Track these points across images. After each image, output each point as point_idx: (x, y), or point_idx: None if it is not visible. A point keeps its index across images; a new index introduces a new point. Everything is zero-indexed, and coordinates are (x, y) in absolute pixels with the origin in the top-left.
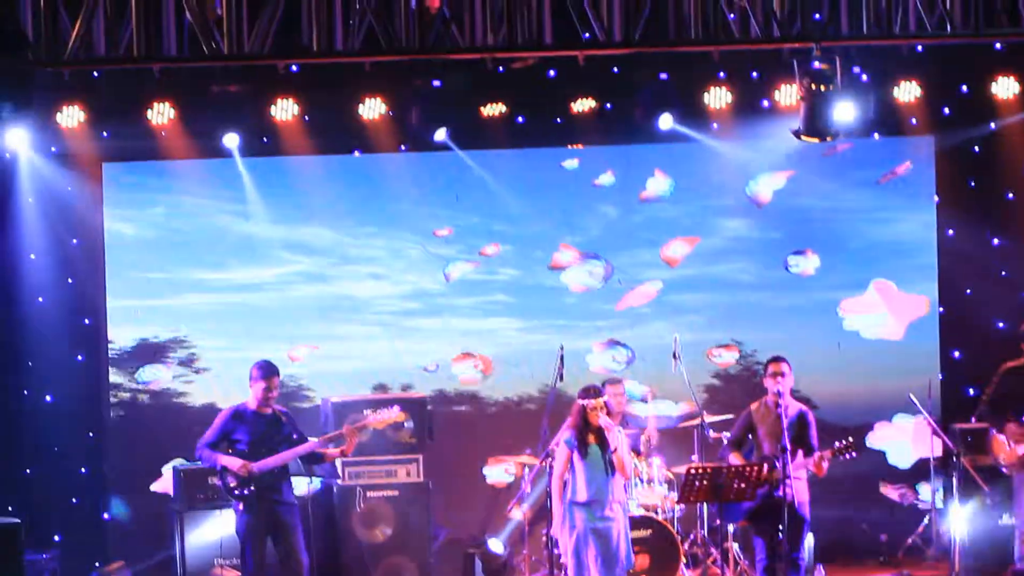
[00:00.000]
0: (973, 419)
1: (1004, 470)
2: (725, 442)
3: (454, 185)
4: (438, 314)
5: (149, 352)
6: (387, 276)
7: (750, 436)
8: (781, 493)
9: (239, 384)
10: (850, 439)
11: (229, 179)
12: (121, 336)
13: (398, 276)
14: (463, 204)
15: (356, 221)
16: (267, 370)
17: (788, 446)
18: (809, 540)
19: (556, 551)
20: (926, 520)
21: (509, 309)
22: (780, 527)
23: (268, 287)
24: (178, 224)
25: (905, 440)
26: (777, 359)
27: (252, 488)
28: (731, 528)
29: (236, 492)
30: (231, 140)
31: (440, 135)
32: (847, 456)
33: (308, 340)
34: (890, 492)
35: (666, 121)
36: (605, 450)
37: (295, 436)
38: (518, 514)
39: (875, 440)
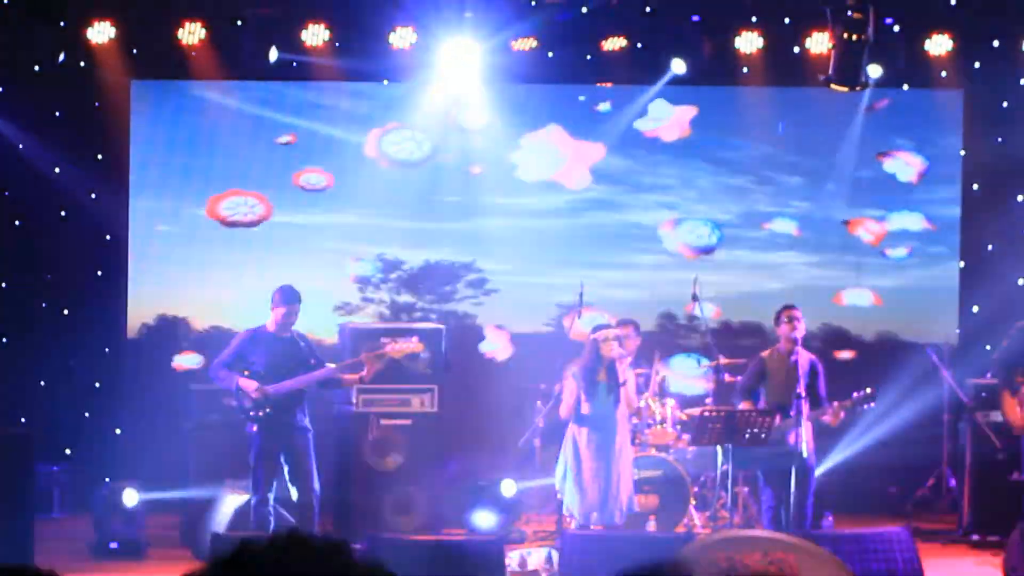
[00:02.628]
0: (988, 375)
1: (1015, 432)
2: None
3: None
4: (728, 246)
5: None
6: (678, 206)
7: (761, 383)
8: (793, 441)
9: (528, 308)
10: (868, 389)
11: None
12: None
13: (689, 207)
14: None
15: (648, 150)
16: (289, 296)
17: (803, 393)
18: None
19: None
20: (936, 473)
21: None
22: (789, 475)
23: (560, 213)
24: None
25: None
26: (791, 306)
27: (267, 411)
28: (740, 473)
29: (251, 414)
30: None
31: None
32: (866, 406)
33: (596, 267)
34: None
35: (678, 66)
36: (613, 387)
37: (312, 361)
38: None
39: None
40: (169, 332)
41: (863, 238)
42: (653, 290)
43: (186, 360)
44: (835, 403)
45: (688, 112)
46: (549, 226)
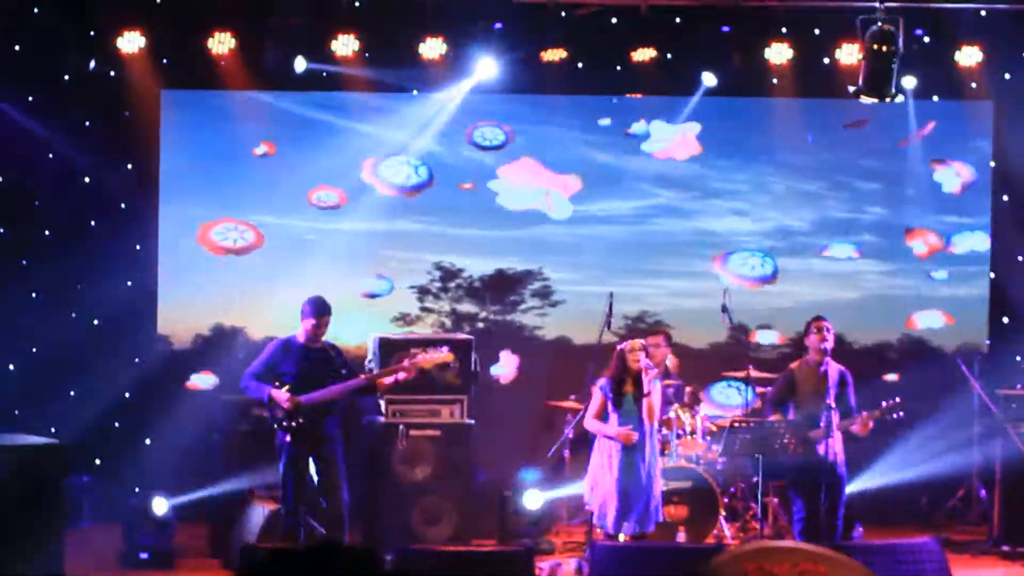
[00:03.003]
0: (1019, 385)
1: None
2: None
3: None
4: (800, 254)
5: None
6: (749, 212)
7: (791, 395)
8: (823, 451)
9: (593, 318)
10: (897, 398)
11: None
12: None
13: (760, 212)
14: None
15: (716, 153)
16: (319, 307)
17: (833, 404)
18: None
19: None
20: (967, 484)
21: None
22: (820, 486)
23: (626, 220)
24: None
25: None
26: (821, 317)
27: (300, 421)
28: (771, 484)
29: (283, 424)
30: (299, 64)
31: (491, 71)
32: (895, 415)
33: (662, 276)
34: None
35: (709, 79)
36: (640, 398)
37: (344, 371)
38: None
39: None
40: (202, 341)
41: (916, 250)
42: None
43: (201, 380)
44: (863, 413)
45: (691, 129)
46: (615, 233)
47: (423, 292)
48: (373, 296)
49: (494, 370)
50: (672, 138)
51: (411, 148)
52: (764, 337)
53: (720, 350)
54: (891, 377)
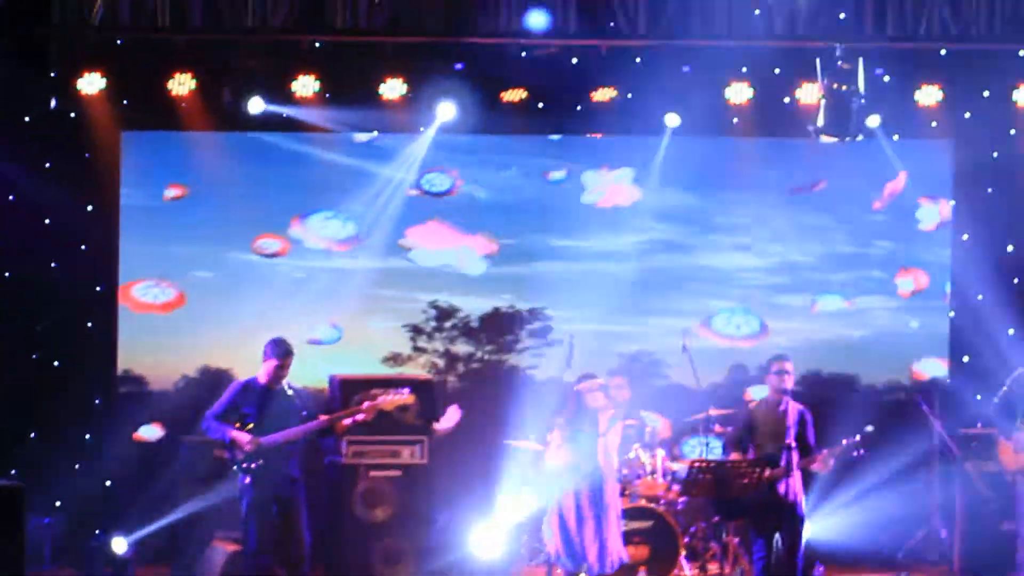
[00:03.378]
0: (979, 424)
1: (1008, 476)
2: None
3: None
4: (806, 290)
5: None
6: (751, 247)
7: (750, 435)
8: (783, 491)
9: (588, 358)
10: (858, 436)
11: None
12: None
13: (763, 247)
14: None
15: (718, 186)
16: (282, 349)
17: (793, 443)
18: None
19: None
20: (927, 523)
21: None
22: (780, 525)
23: (625, 256)
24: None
25: None
26: (781, 358)
27: (260, 462)
28: (732, 523)
29: (244, 466)
30: (255, 105)
31: (449, 114)
32: (856, 454)
33: (664, 314)
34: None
35: (672, 120)
36: (596, 438)
37: (305, 412)
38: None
39: None
40: (162, 382)
41: (901, 288)
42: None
43: (146, 432)
44: (824, 451)
45: (621, 174)
46: (615, 270)
47: (416, 331)
48: (319, 343)
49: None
50: (606, 186)
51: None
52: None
53: (719, 388)
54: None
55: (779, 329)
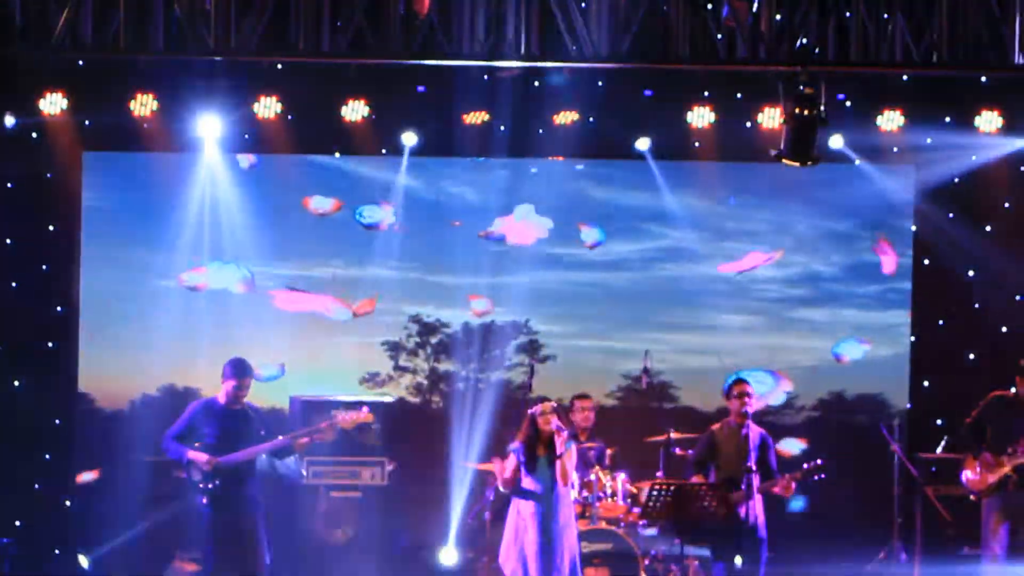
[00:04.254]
0: (939, 449)
1: (973, 496)
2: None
3: None
4: (828, 303)
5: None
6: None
7: (712, 458)
8: (744, 514)
9: (586, 376)
10: (819, 461)
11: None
12: None
13: (784, 257)
14: None
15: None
16: (240, 369)
17: (754, 467)
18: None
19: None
20: (888, 547)
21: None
22: (740, 549)
23: (627, 265)
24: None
25: None
26: (742, 381)
27: (217, 483)
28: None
29: (201, 486)
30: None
31: (410, 140)
32: (817, 478)
33: (668, 329)
34: None
35: (642, 143)
36: (553, 461)
37: (263, 432)
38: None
39: None
40: (123, 401)
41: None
42: (739, 356)
43: (86, 476)
44: (786, 475)
45: (525, 211)
46: (614, 280)
47: (395, 349)
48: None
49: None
50: (505, 222)
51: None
52: (790, 446)
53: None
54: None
55: (799, 347)
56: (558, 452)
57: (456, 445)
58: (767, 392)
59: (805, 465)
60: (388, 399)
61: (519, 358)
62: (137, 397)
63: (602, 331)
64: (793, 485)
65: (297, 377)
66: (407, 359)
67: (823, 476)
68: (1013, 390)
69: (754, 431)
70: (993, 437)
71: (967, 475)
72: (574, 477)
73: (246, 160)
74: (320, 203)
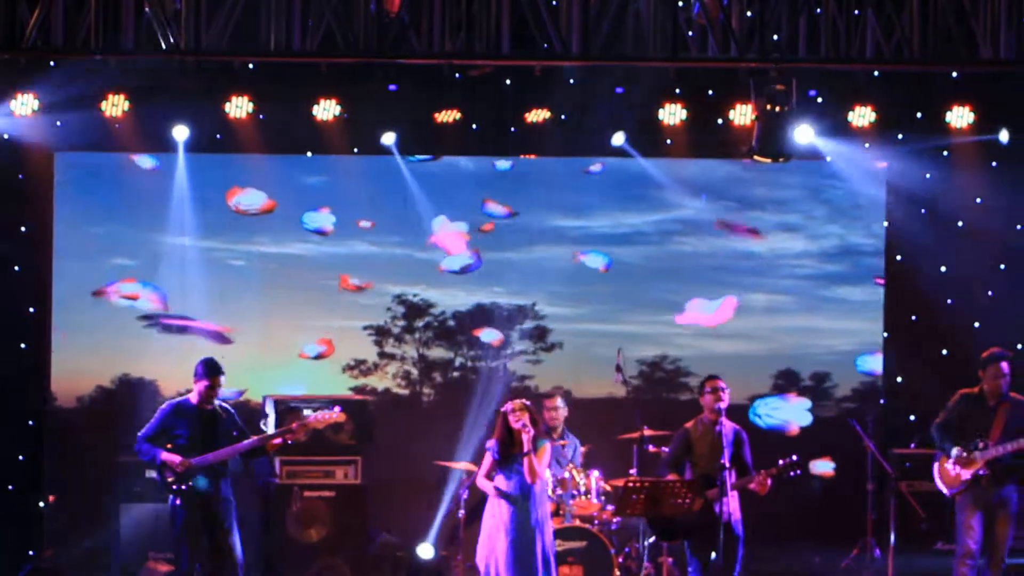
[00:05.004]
0: (913, 445)
1: (946, 493)
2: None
3: None
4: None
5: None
6: (804, 227)
7: (687, 455)
8: (719, 511)
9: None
10: (794, 457)
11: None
12: None
13: (817, 228)
14: None
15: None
16: (211, 369)
17: (728, 464)
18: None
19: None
20: (861, 543)
21: None
22: (716, 545)
23: (643, 239)
24: None
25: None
26: (715, 377)
27: (190, 483)
28: (666, 543)
29: (174, 487)
30: (179, 133)
31: (388, 139)
32: (792, 474)
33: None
34: None
35: (618, 138)
36: (524, 457)
37: (235, 433)
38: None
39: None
40: (96, 403)
41: None
42: (768, 342)
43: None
44: (762, 471)
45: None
46: (627, 256)
47: (382, 334)
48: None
49: None
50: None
51: None
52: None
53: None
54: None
55: (833, 330)
56: (525, 450)
57: (439, 442)
58: (785, 419)
59: (780, 461)
60: (365, 397)
61: (524, 345)
62: (108, 398)
63: (609, 314)
64: (769, 481)
65: (276, 372)
66: (394, 345)
67: (799, 472)
68: (978, 387)
69: (728, 427)
70: (963, 434)
71: (940, 474)
72: (547, 475)
73: (148, 163)
74: (249, 201)
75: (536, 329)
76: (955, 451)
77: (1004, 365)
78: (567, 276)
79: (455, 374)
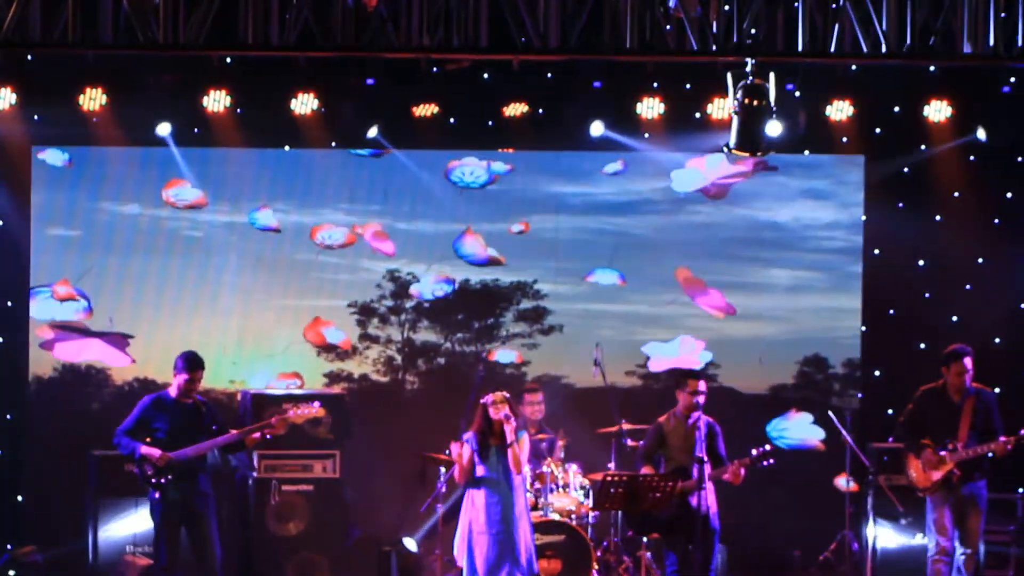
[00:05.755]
0: (891, 439)
1: (919, 493)
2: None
3: None
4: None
5: None
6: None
7: (660, 449)
8: (696, 503)
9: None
10: (768, 446)
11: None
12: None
13: (848, 196)
14: None
15: None
16: (191, 363)
17: (704, 456)
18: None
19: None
20: (839, 537)
21: None
22: (692, 538)
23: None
24: None
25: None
26: (698, 377)
27: (169, 477)
28: (644, 537)
29: (153, 481)
30: (163, 129)
31: (372, 132)
32: (765, 464)
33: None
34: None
35: (597, 128)
36: (505, 450)
37: (215, 427)
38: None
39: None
40: (72, 397)
41: None
42: (793, 322)
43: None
44: (735, 461)
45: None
46: (640, 226)
47: (365, 313)
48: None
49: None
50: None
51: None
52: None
53: (784, 393)
54: None
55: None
56: (508, 441)
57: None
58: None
59: (754, 451)
60: (341, 391)
61: (520, 327)
62: (90, 390)
63: (619, 292)
64: (742, 471)
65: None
66: (377, 327)
67: (772, 462)
68: (941, 381)
69: (703, 421)
70: (929, 432)
71: (911, 474)
72: (526, 469)
73: (59, 158)
74: (181, 195)
75: (533, 308)
76: (925, 453)
77: (967, 361)
78: (571, 249)
79: (440, 360)
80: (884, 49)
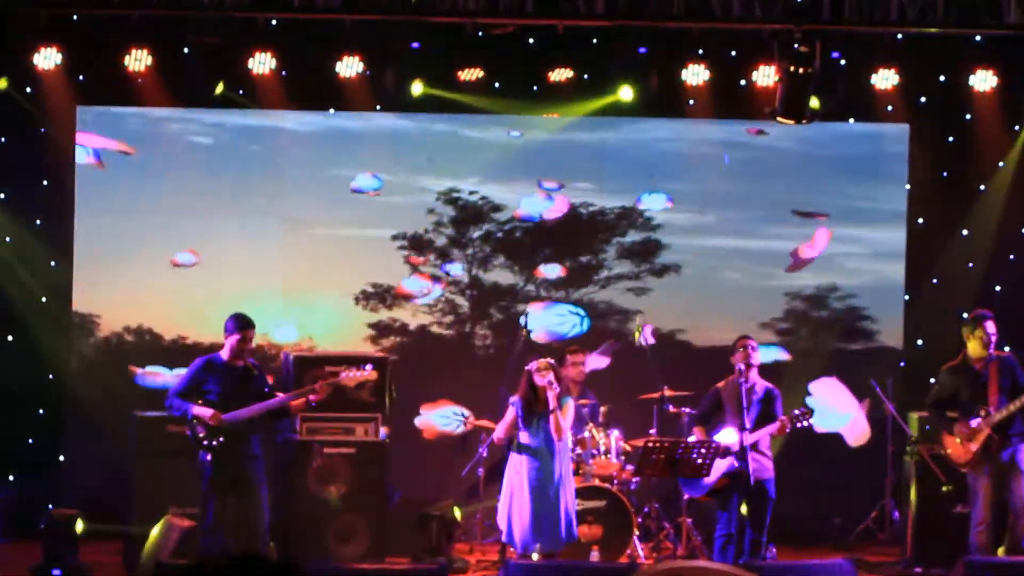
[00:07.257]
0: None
1: (961, 469)
2: (686, 417)
3: None
4: None
5: None
6: None
7: (716, 413)
8: (752, 469)
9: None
10: (805, 407)
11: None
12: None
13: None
14: None
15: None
16: (242, 323)
17: (748, 424)
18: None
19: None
20: (879, 505)
21: None
22: (743, 502)
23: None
24: None
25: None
26: (746, 336)
27: (221, 439)
28: (685, 502)
29: (205, 443)
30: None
31: (416, 91)
32: (803, 424)
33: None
34: None
35: (626, 92)
36: (548, 416)
37: (266, 390)
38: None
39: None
40: (114, 358)
41: None
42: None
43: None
44: (782, 418)
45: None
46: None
47: (416, 246)
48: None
49: None
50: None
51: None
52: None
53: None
54: None
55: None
56: (551, 407)
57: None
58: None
59: (794, 411)
60: (383, 355)
61: (625, 268)
62: (129, 349)
63: (741, 223)
64: (787, 428)
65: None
66: (435, 264)
67: (810, 422)
68: (960, 355)
69: (760, 385)
70: (960, 406)
71: (948, 451)
72: (568, 435)
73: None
74: None
75: (643, 242)
76: (957, 426)
77: (989, 325)
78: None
79: (519, 307)
80: (930, 18)
